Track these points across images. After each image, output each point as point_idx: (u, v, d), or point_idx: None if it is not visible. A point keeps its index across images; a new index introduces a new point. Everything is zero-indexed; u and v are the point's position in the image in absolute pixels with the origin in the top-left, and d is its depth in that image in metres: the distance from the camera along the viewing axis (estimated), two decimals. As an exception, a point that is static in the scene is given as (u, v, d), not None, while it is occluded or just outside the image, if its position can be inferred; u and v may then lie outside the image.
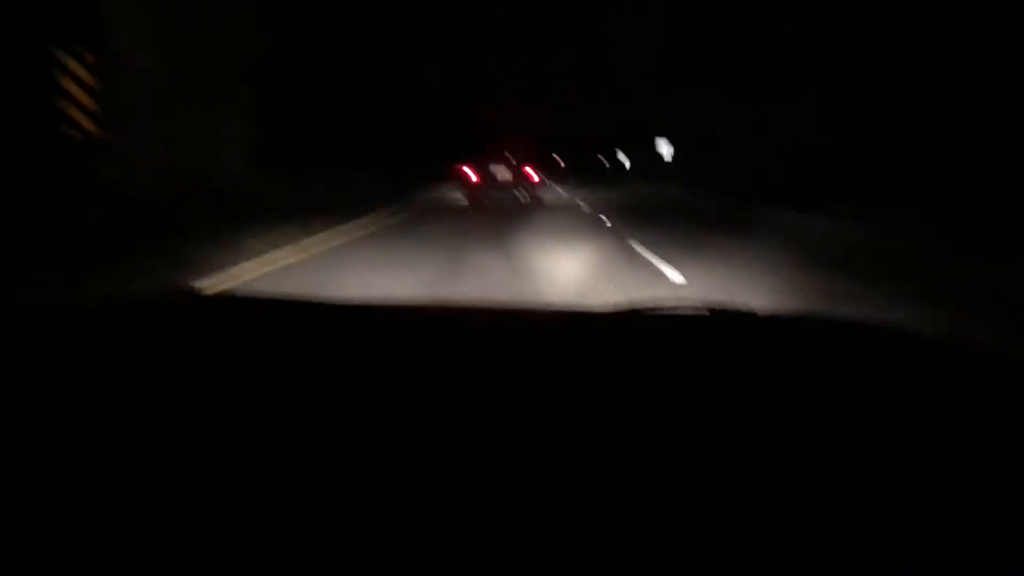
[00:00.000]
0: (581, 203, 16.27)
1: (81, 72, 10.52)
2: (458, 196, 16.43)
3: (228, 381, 0.82)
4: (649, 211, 14.21)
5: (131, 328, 1.07)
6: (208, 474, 0.59)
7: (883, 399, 0.80)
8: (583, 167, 46.43)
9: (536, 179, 16.14)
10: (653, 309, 1.17)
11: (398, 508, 0.54)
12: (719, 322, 1.13)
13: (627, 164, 40.33)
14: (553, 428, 0.69)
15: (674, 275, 6.13)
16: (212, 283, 5.65)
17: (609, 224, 11.25)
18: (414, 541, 0.51)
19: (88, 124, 10.71)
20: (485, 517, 0.53)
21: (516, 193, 15.40)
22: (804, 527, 0.53)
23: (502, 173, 15.26)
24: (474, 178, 15.24)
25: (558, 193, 22.02)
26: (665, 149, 30.57)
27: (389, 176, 20.33)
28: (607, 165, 47.57)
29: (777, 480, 0.60)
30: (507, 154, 16.08)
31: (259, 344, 1.00)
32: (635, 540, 0.51)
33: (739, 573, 0.49)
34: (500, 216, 12.20)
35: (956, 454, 0.64)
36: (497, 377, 0.87)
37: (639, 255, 7.51)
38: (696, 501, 0.56)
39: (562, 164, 51.54)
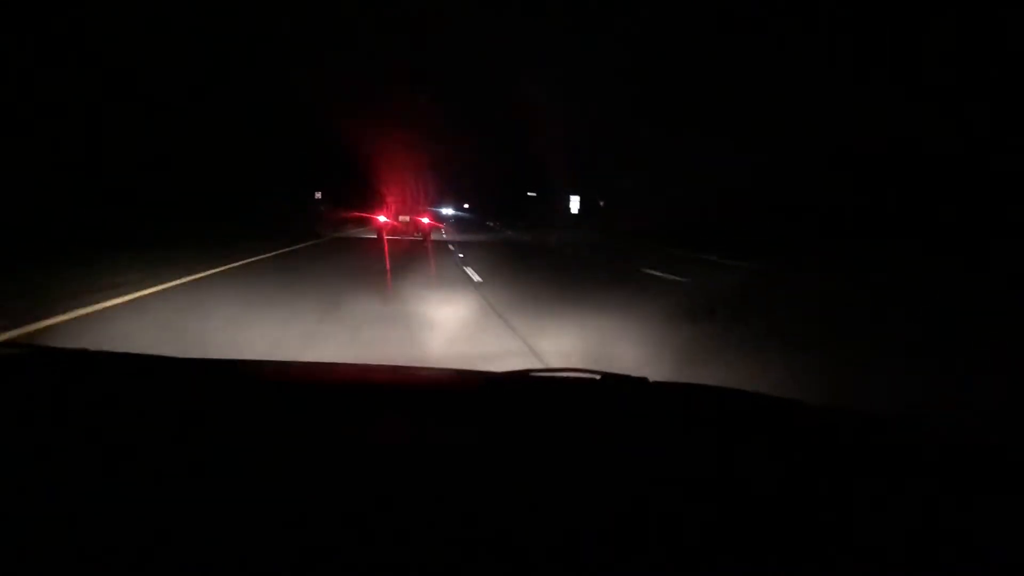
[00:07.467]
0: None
1: None
2: (372, 233, 23.80)
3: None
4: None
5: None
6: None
7: (758, 463, 0.88)
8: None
9: (427, 224, 23.53)
10: (544, 371, 1.19)
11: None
12: (609, 387, 1.17)
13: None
14: (447, 491, 0.75)
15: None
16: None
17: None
18: None
19: None
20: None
21: (414, 233, 22.63)
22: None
23: (402, 219, 22.74)
24: (382, 220, 22.62)
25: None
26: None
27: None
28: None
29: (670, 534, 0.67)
30: (401, 206, 23.41)
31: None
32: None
33: None
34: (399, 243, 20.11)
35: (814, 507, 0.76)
36: (396, 441, 0.92)
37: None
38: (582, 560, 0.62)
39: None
